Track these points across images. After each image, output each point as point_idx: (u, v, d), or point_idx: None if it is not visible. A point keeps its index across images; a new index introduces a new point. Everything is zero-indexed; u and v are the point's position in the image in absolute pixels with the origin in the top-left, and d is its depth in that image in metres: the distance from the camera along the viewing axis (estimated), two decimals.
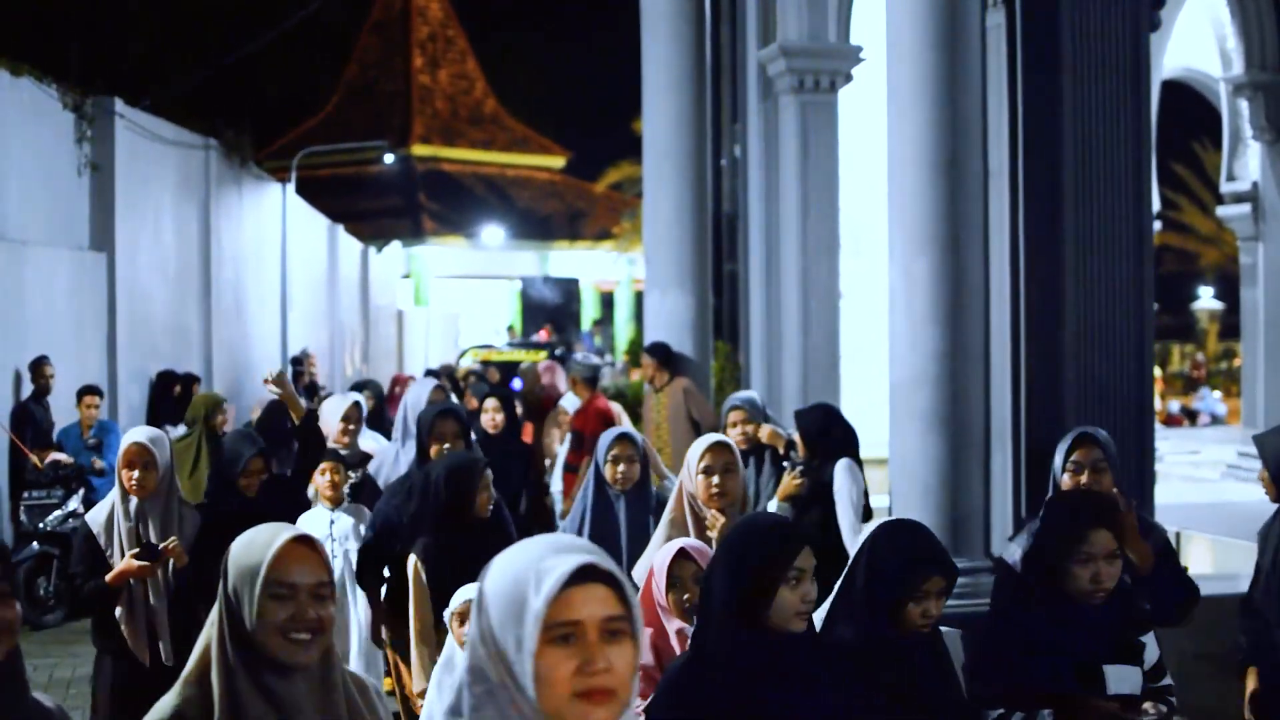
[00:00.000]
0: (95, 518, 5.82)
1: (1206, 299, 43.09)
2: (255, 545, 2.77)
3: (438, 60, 52.59)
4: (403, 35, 52.27)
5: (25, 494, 11.35)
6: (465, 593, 4.85)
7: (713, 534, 5.03)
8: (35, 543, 10.97)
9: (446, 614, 5.00)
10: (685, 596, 4.20)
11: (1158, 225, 16.00)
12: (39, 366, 12.35)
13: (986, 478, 7.27)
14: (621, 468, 5.74)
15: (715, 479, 5.16)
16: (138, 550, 5.56)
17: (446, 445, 6.31)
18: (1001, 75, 7.19)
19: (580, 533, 5.67)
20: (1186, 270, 45.71)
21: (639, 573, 4.90)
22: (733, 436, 7.00)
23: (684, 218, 10.71)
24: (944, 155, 7.00)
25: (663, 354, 10.57)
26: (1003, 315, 7.27)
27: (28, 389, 12.47)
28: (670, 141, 10.69)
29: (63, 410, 12.53)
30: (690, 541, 4.44)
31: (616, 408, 10.94)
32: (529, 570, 2.11)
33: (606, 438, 5.91)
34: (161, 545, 5.56)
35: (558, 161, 54.05)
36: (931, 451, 7.06)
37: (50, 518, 11.08)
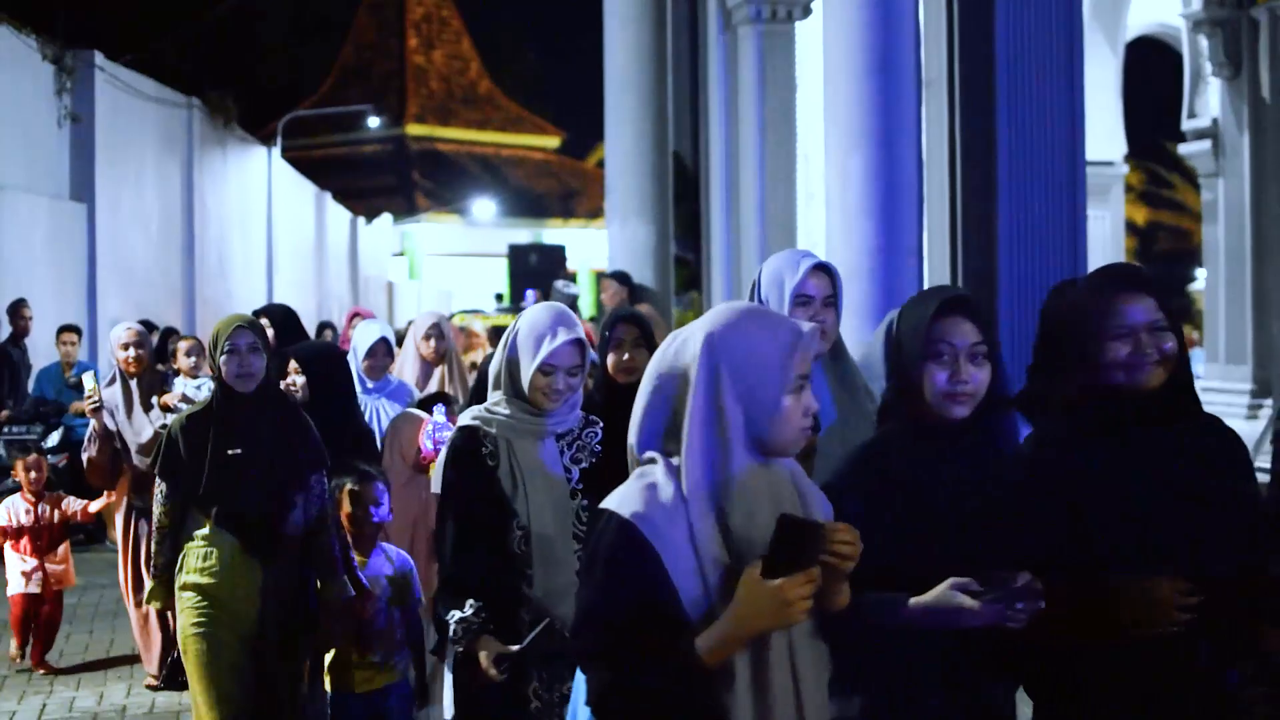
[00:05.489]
0: None
1: (1203, 281, 42.79)
2: None
3: (432, 41, 52.72)
4: (397, 16, 52.42)
5: (4, 429, 11.51)
6: None
7: None
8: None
9: None
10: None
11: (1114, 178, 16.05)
12: (17, 309, 12.49)
13: None
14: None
15: None
16: None
17: None
18: None
19: None
20: (1181, 248, 45.61)
21: None
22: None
23: (644, 148, 10.85)
24: (877, 53, 7.13)
25: (625, 279, 10.73)
26: (942, 213, 7.40)
27: (5, 331, 12.62)
28: (631, 73, 10.83)
29: (41, 354, 12.68)
30: None
31: None
32: None
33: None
34: None
35: (552, 141, 54.15)
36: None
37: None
